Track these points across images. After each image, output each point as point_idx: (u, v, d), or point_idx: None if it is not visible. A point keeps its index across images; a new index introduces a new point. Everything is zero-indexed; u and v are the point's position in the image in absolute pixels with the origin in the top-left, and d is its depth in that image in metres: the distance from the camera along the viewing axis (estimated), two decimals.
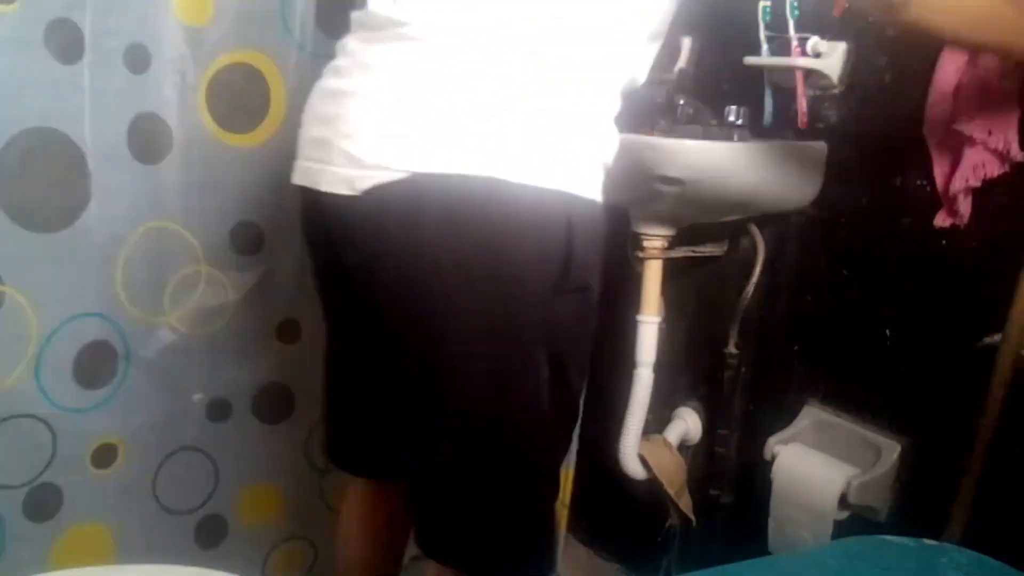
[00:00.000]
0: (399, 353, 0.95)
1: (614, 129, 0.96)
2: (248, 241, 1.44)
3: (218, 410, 1.48)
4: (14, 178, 1.19)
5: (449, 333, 0.89)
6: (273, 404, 1.53)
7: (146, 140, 1.31)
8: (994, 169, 1.12)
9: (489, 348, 0.89)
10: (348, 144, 0.88)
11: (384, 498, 1.19)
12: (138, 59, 1.29)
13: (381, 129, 0.86)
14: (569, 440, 1.06)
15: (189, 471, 1.47)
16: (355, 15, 0.96)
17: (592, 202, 0.92)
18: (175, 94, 1.32)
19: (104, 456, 1.36)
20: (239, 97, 1.38)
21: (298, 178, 0.98)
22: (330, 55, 1.00)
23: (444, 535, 0.99)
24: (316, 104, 0.96)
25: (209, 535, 1.51)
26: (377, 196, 0.86)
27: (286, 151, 1.05)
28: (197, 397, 1.45)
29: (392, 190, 0.85)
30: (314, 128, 0.95)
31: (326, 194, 0.91)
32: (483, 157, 0.84)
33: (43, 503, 1.30)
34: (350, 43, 0.95)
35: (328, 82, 0.96)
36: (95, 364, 1.32)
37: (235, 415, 1.49)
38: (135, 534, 1.41)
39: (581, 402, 1.04)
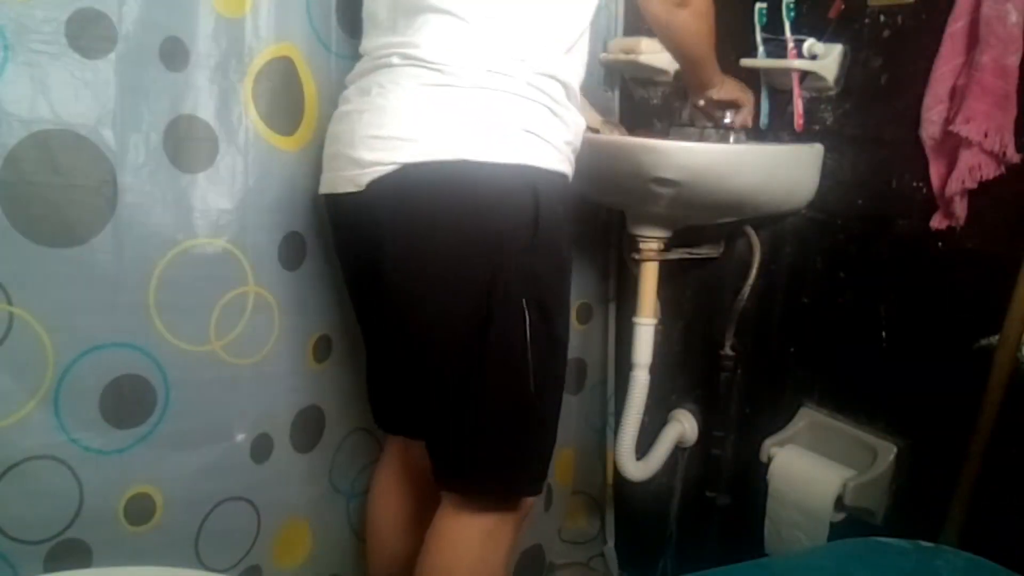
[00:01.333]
0: (405, 318, 1.10)
1: (572, 112, 1.13)
2: (294, 254, 1.32)
3: (261, 448, 1.33)
4: (23, 186, 1.06)
5: (444, 291, 1.05)
6: (308, 430, 1.41)
7: (187, 146, 1.19)
8: (990, 171, 1.12)
9: (480, 300, 1.05)
10: (350, 151, 1.08)
11: (411, 456, 1.32)
12: (175, 54, 1.17)
13: (373, 134, 1.06)
14: (560, 382, 1.17)
15: (233, 522, 1.31)
16: (357, 66, 1.17)
17: (555, 172, 1.09)
18: (218, 92, 1.21)
19: (140, 509, 1.20)
20: (280, 95, 1.27)
21: (323, 188, 1.17)
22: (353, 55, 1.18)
23: (453, 465, 1.13)
24: (331, 127, 1.16)
25: None
26: (375, 188, 1.05)
27: (319, 155, 1.16)
28: (240, 437, 1.30)
29: (386, 181, 1.04)
30: (330, 146, 1.15)
31: (341, 195, 1.11)
32: (454, 144, 1.03)
33: (68, 563, 1.13)
34: (352, 80, 1.16)
35: (339, 108, 1.16)
36: (127, 400, 1.17)
37: (276, 451, 1.35)
38: None
39: (566, 349, 1.16)
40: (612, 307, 1.81)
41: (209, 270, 1.22)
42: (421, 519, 1.27)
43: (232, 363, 1.26)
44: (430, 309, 1.07)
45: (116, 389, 1.16)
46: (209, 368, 1.24)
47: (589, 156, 1.38)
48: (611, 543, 1.87)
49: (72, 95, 1.08)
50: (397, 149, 1.04)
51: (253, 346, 1.28)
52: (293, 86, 1.28)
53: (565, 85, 1.11)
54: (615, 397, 1.81)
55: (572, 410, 1.77)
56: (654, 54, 1.60)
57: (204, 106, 1.20)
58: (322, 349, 1.39)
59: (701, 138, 1.45)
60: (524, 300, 1.06)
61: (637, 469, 1.54)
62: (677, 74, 1.60)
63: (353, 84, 1.15)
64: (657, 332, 1.50)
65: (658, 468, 1.59)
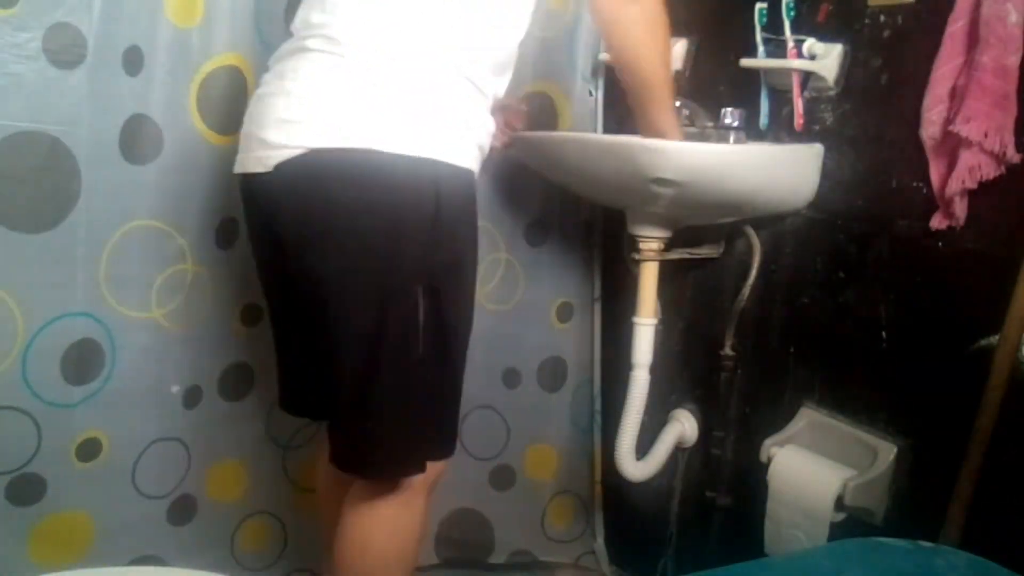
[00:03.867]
0: (306, 300, 1.14)
1: (483, 113, 1.18)
2: (229, 236, 1.49)
3: (191, 397, 1.52)
4: (1, 180, 1.23)
5: (342, 276, 1.10)
6: (237, 382, 1.59)
7: (137, 141, 1.34)
8: (990, 171, 1.12)
9: (374, 284, 1.09)
10: (261, 132, 1.11)
11: None
12: (134, 61, 1.32)
13: (284, 117, 1.09)
14: (454, 366, 1.20)
15: (166, 458, 1.51)
16: (280, 47, 1.20)
17: (459, 168, 1.13)
18: (166, 96, 1.36)
19: (88, 449, 1.40)
20: (224, 100, 1.41)
21: (236, 168, 1.20)
22: None
23: (348, 448, 1.17)
24: (248, 108, 1.19)
25: (180, 514, 1.55)
26: (283, 170, 1.08)
27: None
28: (175, 389, 1.49)
29: (293, 164, 1.07)
30: (245, 127, 1.18)
31: (250, 175, 1.14)
32: (363, 133, 1.06)
33: (26, 490, 1.34)
34: (271, 64, 1.19)
35: (257, 91, 1.19)
36: (82, 361, 1.35)
37: (205, 398, 1.54)
38: (113, 518, 1.45)
39: (463, 339, 1.20)
40: (597, 307, 1.83)
41: (149, 248, 1.40)
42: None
43: (171, 328, 1.45)
44: (328, 292, 1.10)
45: (75, 352, 1.34)
46: (151, 333, 1.43)
47: (589, 156, 1.38)
48: (600, 540, 1.90)
49: (46, 101, 1.24)
50: (306, 133, 1.07)
51: (190, 314, 1.47)
52: (239, 92, 1.41)
53: (477, 88, 1.15)
54: (601, 396, 1.84)
55: (552, 409, 1.83)
56: None
57: (154, 107, 1.36)
58: (251, 316, 1.56)
59: (701, 138, 1.45)
60: (420, 288, 1.11)
61: (637, 469, 1.54)
62: (678, 74, 1.60)
63: (273, 67, 1.18)
64: (657, 332, 1.50)
65: (658, 468, 1.59)
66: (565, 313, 1.82)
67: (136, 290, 1.40)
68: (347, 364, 1.12)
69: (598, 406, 1.85)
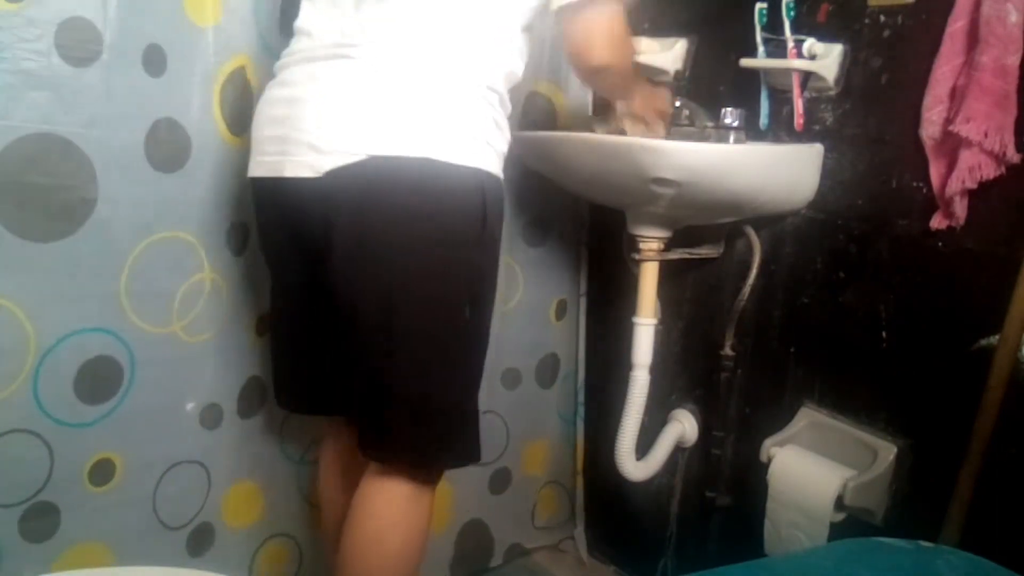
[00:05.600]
0: (356, 299, 1.14)
1: (506, 124, 1.22)
2: (239, 241, 1.44)
3: (210, 416, 1.45)
4: (9, 186, 1.14)
5: (398, 280, 1.12)
6: (252, 398, 1.53)
7: (163, 147, 1.28)
8: (990, 171, 1.12)
9: (431, 288, 1.13)
10: (306, 136, 1.11)
11: (345, 434, 1.37)
12: (155, 61, 1.25)
13: (337, 122, 1.10)
14: (483, 359, 1.25)
15: (185, 482, 1.43)
16: (291, 47, 1.21)
17: (496, 176, 1.17)
18: (192, 98, 1.30)
19: (102, 472, 1.31)
20: (240, 100, 1.36)
21: (259, 171, 1.19)
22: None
23: (390, 440, 1.18)
24: (268, 110, 1.19)
25: (199, 543, 1.48)
26: (336, 175, 1.09)
27: None
28: (190, 406, 1.42)
29: (350, 169, 1.08)
30: (268, 128, 1.17)
31: (289, 179, 1.13)
32: (419, 142, 1.09)
33: (41, 522, 1.25)
34: (290, 65, 1.18)
35: (277, 92, 1.18)
36: (98, 379, 1.27)
37: (225, 418, 1.47)
38: (132, 549, 1.36)
39: (488, 331, 1.25)
40: (583, 302, 1.87)
41: (173, 259, 1.33)
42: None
43: (190, 342, 1.38)
44: (384, 299, 1.12)
45: (89, 369, 1.26)
46: (170, 348, 1.35)
47: (589, 156, 1.38)
48: (581, 527, 1.94)
49: (59, 100, 1.16)
50: (364, 139, 1.09)
51: (207, 325, 1.40)
52: (247, 92, 1.37)
53: (502, 99, 1.20)
54: (585, 389, 1.88)
55: (546, 404, 1.86)
56: (654, 54, 1.60)
57: (180, 111, 1.29)
58: (264, 326, 1.49)
59: (701, 138, 1.45)
60: (467, 291, 1.16)
61: (637, 469, 1.54)
62: (678, 74, 1.61)
63: (295, 68, 1.17)
64: (657, 332, 1.50)
65: (658, 468, 1.59)
66: (561, 311, 1.84)
67: (158, 303, 1.33)
68: (404, 364, 1.15)
69: (581, 398, 1.89)
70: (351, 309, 1.15)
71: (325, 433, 1.44)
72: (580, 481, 1.93)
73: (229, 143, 1.37)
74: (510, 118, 1.23)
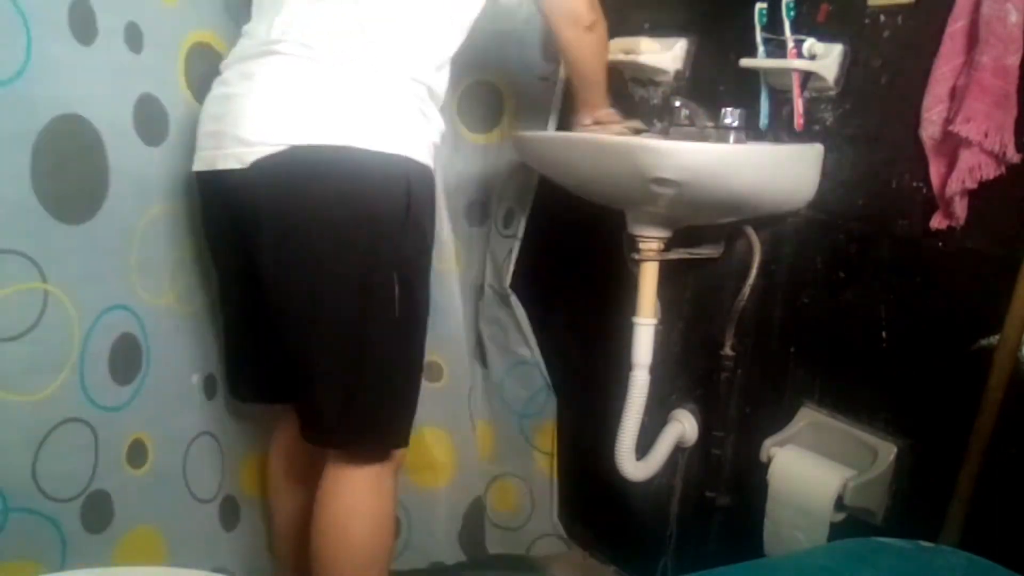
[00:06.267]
0: (281, 289, 1.19)
1: (435, 114, 1.26)
2: None
3: (210, 387, 1.48)
4: (48, 169, 1.10)
5: (323, 267, 1.16)
6: None
7: (150, 122, 1.28)
8: (990, 171, 1.12)
9: (358, 271, 1.17)
10: (236, 130, 1.16)
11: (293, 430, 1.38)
12: (135, 38, 1.25)
13: (262, 116, 1.15)
14: (419, 343, 1.29)
15: (205, 455, 1.47)
16: (234, 50, 1.27)
17: (422, 164, 1.21)
18: (166, 73, 1.31)
19: (136, 454, 1.31)
20: (207, 76, 1.33)
21: (198, 165, 1.25)
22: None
23: (324, 423, 1.23)
24: (209, 108, 1.24)
25: (229, 517, 1.53)
26: (261, 166, 1.14)
27: None
28: (195, 379, 1.44)
29: (273, 160, 1.13)
30: (208, 125, 1.23)
31: (221, 171, 1.19)
32: (339, 131, 1.14)
33: (99, 511, 1.24)
34: (231, 64, 1.24)
35: (217, 91, 1.24)
36: (125, 358, 1.27)
37: (219, 387, 1.50)
38: (178, 528, 1.39)
39: (426, 319, 1.30)
40: (514, 297, 1.85)
41: (165, 233, 1.35)
42: (309, 484, 1.39)
43: (183, 312, 1.40)
44: (311, 284, 1.17)
45: (119, 348, 1.26)
46: (169, 319, 1.37)
47: (589, 156, 1.38)
48: (555, 516, 1.92)
49: (78, 82, 1.14)
50: (284, 130, 1.13)
51: (195, 294, 1.43)
52: (216, 68, 1.33)
53: (430, 90, 1.24)
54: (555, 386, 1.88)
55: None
56: (654, 54, 1.60)
57: (156, 85, 1.30)
58: None
59: (701, 138, 1.45)
60: (395, 275, 1.19)
61: (637, 469, 1.54)
62: (678, 74, 1.61)
63: (233, 68, 1.23)
64: (657, 332, 1.50)
65: (658, 468, 1.59)
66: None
67: (156, 275, 1.34)
68: (333, 347, 1.19)
69: (545, 381, 1.88)
70: (279, 295, 1.20)
71: (276, 423, 1.48)
72: (553, 468, 1.91)
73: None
74: (444, 109, 1.30)
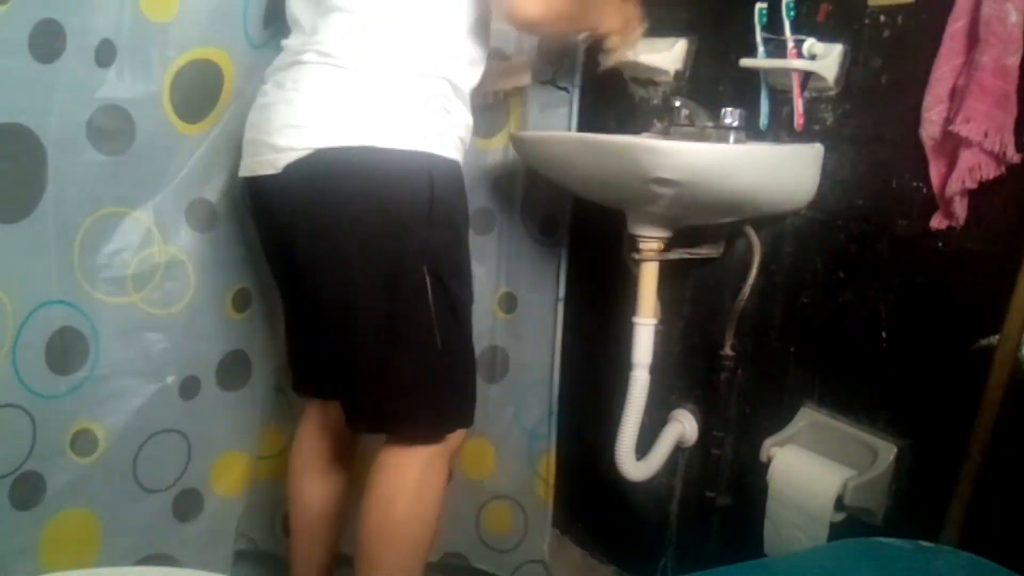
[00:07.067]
0: (318, 287, 1.26)
1: (460, 108, 1.30)
2: (201, 218, 1.50)
3: (189, 388, 1.53)
4: None
5: (354, 263, 1.22)
6: (234, 372, 1.61)
7: (107, 130, 1.34)
8: (991, 171, 1.12)
9: (384, 265, 1.22)
10: (269, 138, 1.23)
11: (328, 417, 1.48)
12: (106, 53, 1.32)
13: (289, 123, 1.21)
14: (465, 337, 1.33)
15: (166, 450, 1.52)
16: (274, 61, 1.33)
17: (447, 159, 1.26)
18: (139, 87, 1.35)
19: (84, 443, 1.39)
20: (198, 90, 1.42)
21: (243, 172, 1.32)
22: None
23: (364, 413, 1.31)
24: (250, 117, 1.31)
25: (186, 509, 1.57)
26: (291, 170, 1.20)
27: (233, 133, 1.39)
28: (170, 379, 1.49)
29: (300, 164, 1.20)
30: (249, 133, 1.31)
31: (260, 177, 1.26)
32: (360, 132, 1.19)
33: (27, 491, 1.33)
34: (270, 75, 1.31)
35: (257, 100, 1.31)
36: (65, 350, 1.35)
37: (203, 389, 1.55)
38: (118, 515, 1.46)
39: (468, 309, 1.34)
40: (560, 307, 1.84)
41: (121, 234, 1.40)
42: (339, 477, 1.50)
43: (155, 313, 1.46)
44: (342, 279, 1.23)
45: (57, 341, 1.34)
46: (133, 319, 1.43)
47: (589, 156, 1.38)
48: (547, 545, 1.90)
49: (23, 93, 1.24)
50: (310, 135, 1.20)
51: (171, 297, 1.48)
52: (213, 83, 1.44)
53: (454, 86, 1.27)
54: (559, 400, 1.86)
55: (489, 400, 1.83)
56: (654, 54, 1.60)
57: (124, 97, 1.35)
58: (241, 301, 1.60)
59: (701, 138, 1.45)
60: (424, 268, 1.23)
61: (637, 469, 1.54)
62: (678, 74, 1.61)
63: (271, 79, 1.30)
64: (657, 332, 1.50)
65: (658, 468, 1.59)
66: (508, 304, 1.83)
67: (111, 275, 1.40)
68: (367, 339, 1.24)
69: (555, 408, 1.86)
70: (316, 294, 1.27)
71: (305, 417, 1.52)
72: (550, 499, 1.88)
73: (179, 130, 1.42)
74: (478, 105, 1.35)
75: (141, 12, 1.33)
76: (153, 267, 1.45)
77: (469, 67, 1.31)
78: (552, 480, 1.88)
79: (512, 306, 1.83)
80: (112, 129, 1.34)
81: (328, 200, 1.20)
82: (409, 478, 1.30)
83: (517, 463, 1.88)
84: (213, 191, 1.50)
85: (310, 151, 1.19)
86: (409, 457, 1.31)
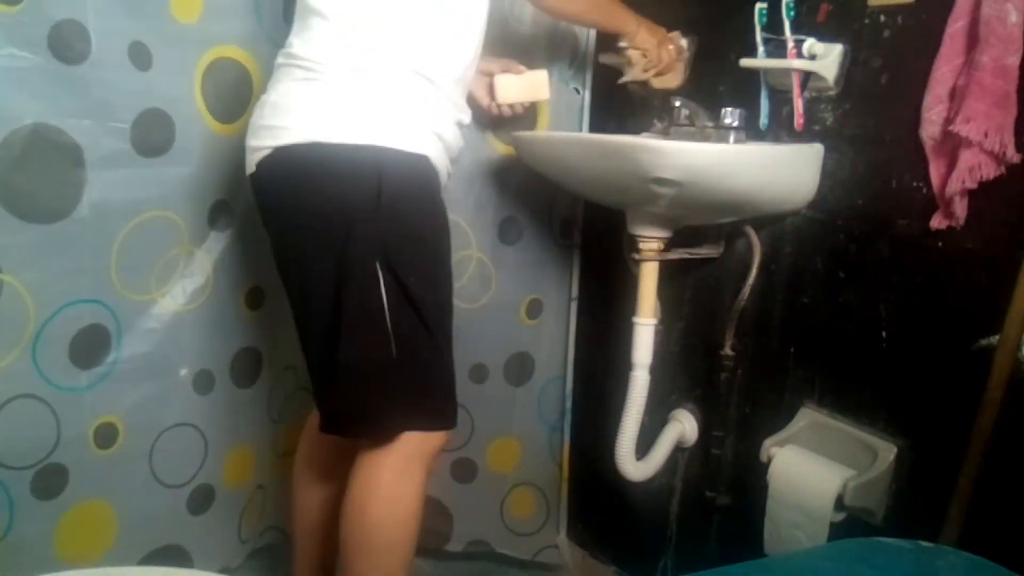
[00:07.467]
0: (286, 281, 1.30)
1: (445, 106, 1.30)
2: (221, 218, 1.54)
3: (203, 383, 1.55)
4: (11, 172, 1.24)
5: (307, 256, 1.24)
6: (246, 368, 1.64)
7: (151, 135, 1.38)
8: (990, 171, 1.12)
9: (333, 258, 1.21)
10: (249, 139, 1.29)
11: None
12: (141, 56, 1.35)
13: (261, 124, 1.27)
14: (431, 336, 1.28)
15: (182, 444, 1.54)
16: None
17: (406, 152, 1.24)
18: (176, 89, 1.40)
19: (105, 435, 1.41)
20: (227, 88, 1.47)
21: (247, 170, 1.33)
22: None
23: (332, 416, 1.30)
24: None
25: (199, 503, 1.59)
26: (261, 168, 1.26)
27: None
28: (183, 372, 1.52)
29: (266, 161, 1.25)
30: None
31: (249, 176, 1.30)
32: (309, 129, 1.22)
33: (51, 482, 1.35)
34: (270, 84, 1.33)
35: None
36: (89, 346, 1.37)
37: (217, 385, 1.58)
38: (134, 508, 1.47)
39: (440, 311, 1.31)
40: (574, 306, 1.88)
41: (155, 235, 1.43)
42: (341, 480, 1.41)
43: (174, 311, 1.48)
44: (300, 272, 1.27)
45: (81, 337, 1.36)
46: (154, 315, 1.46)
47: (589, 156, 1.38)
48: (563, 535, 1.96)
49: (53, 94, 1.26)
50: (271, 136, 1.24)
51: (191, 296, 1.51)
52: (242, 81, 1.49)
53: (430, 80, 1.27)
54: (572, 395, 1.91)
55: (516, 402, 1.87)
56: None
57: (164, 100, 1.39)
58: (255, 298, 1.63)
59: (701, 138, 1.45)
60: (376, 263, 1.21)
61: (637, 469, 1.54)
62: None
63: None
64: (657, 332, 1.50)
65: (658, 468, 1.59)
66: (535, 310, 1.85)
67: (140, 274, 1.43)
68: (319, 332, 1.25)
69: (569, 404, 1.90)
70: (287, 289, 1.31)
71: (309, 420, 1.51)
72: (565, 488, 1.94)
73: (214, 130, 1.47)
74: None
75: (171, 14, 1.37)
76: (176, 265, 1.48)
77: (449, 60, 1.30)
78: (567, 472, 1.94)
79: (538, 311, 1.85)
80: (152, 131, 1.38)
81: (286, 196, 1.25)
82: (382, 482, 1.28)
83: (540, 454, 1.93)
84: (230, 191, 1.53)
85: (270, 149, 1.24)
86: (380, 461, 1.29)
